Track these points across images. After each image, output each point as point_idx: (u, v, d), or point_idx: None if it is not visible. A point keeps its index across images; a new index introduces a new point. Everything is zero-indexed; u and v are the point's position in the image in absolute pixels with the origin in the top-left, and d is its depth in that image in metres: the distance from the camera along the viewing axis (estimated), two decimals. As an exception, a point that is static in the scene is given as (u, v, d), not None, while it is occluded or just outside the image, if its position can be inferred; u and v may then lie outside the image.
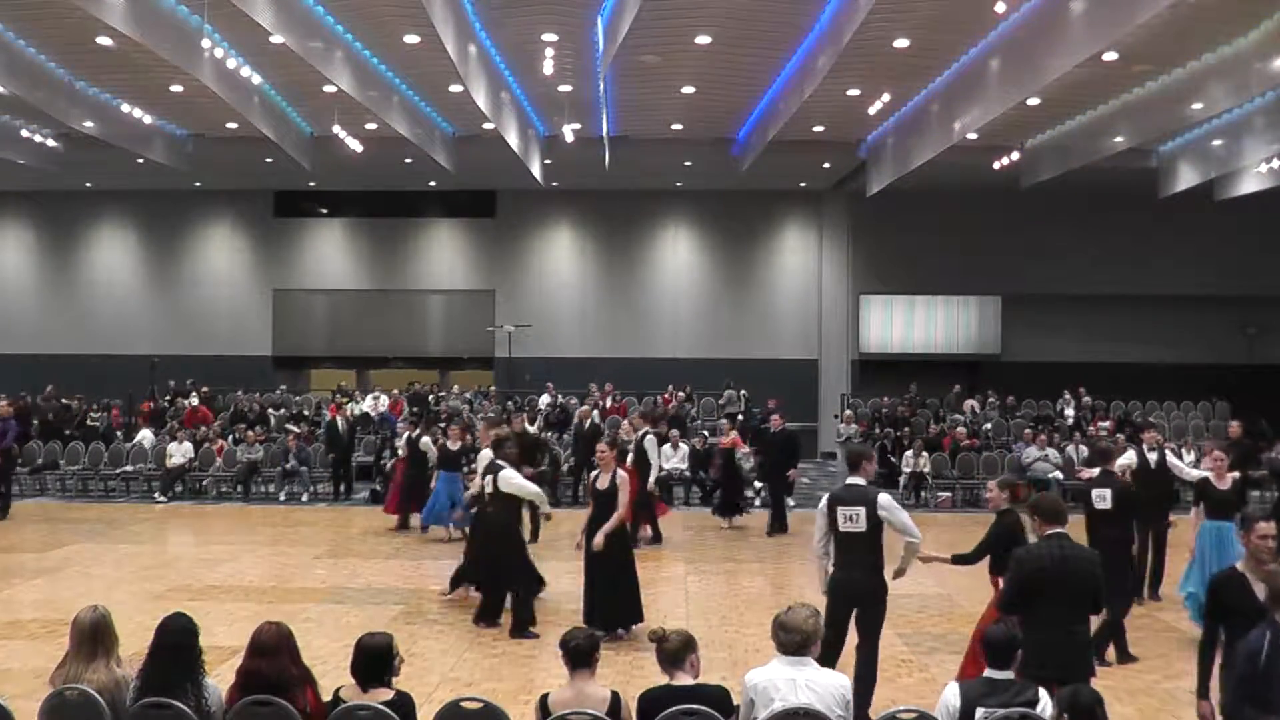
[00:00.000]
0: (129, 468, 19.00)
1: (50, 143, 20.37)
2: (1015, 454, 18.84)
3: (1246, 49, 13.80)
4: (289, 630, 4.91)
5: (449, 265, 26.41)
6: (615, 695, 4.68)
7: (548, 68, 16.25)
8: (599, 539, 8.73)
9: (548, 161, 22.09)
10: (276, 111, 18.92)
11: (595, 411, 19.98)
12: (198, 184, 24.41)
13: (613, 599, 8.85)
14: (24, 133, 19.77)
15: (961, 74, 15.96)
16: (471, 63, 15.78)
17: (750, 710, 4.56)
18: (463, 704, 4.76)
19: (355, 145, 19.04)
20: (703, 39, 15.03)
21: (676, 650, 4.70)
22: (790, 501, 17.54)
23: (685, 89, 17.60)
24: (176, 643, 4.78)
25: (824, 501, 6.78)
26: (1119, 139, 17.79)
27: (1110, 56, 13.78)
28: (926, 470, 18.19)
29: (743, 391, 22.63)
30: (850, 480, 6.86)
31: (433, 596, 10.59)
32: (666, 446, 17.47)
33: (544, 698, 4.76)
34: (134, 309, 26.18)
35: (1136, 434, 11.52)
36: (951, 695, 4.53)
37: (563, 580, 10.89)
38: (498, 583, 9.31)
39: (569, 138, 18.86)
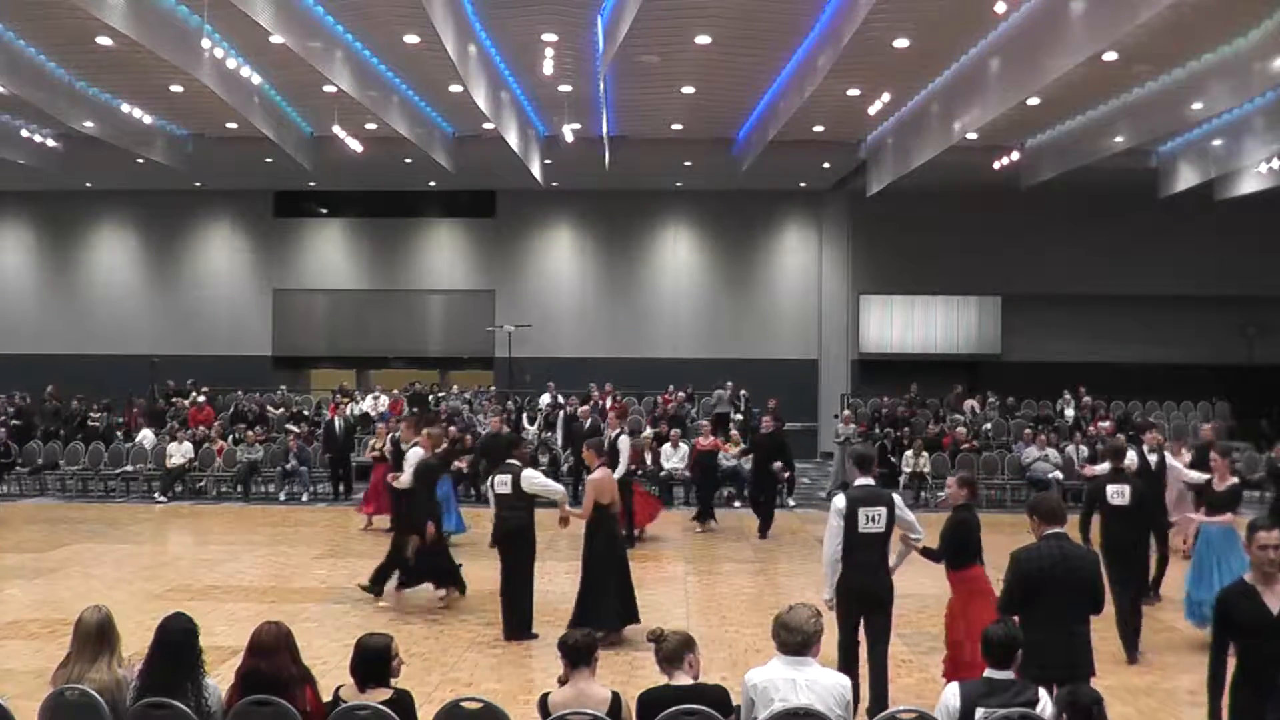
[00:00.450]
0: (129, 468, 19.00)
1: (50, 143, 20.38)
2: (1015, 454, 18.83)
3: (1246, 49, 13.81)
4: (288, 630, 4.91)
5: (449, 265, 26.41)
6: (615, 695, 4.68)
7: (548, 68, 16.25)
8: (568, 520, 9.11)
9: (548, 161, 22.09)
10: (276, 111, 18.92)
11: (591, 410, 19.94)
12: (198, 184, 24.42)
13: (604, 599, 8.75)
14: (24, 133, 19.78)
15: (961, 74, 15.96)
16: (471, 63, 15.78)
17: (750, 710, 4.56)
18: (463, 704, 4.76)
19: (355, 145, 19.05)
20: (703, 39, 15.03)
21: (675, 650, 4.70)
22: (791, 502, 17.58)
23: (685, 89, 17.60)
24: (176, 643, 4.79)
25: (841, 503, 6.63)
26: (1119, 139, 17.79)
27: (1110, 56, 13.79)
28: (926, 470, 18.18)
29: (743, 391, 22.62)
30: (862, 481, 6.81)
31: (433, 596, 10.57)
32: (667, 446, 17.50)
33: (544, 698, 4.76)
34: (134, 309, 26.18)
35: (1138, 434, 11.54)
36: (951, 695, 4.53)
37: (562, 581, 10.90)
38: (516, 593, 9.04)
39: (569, 138, 18.87)
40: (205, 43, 13.99)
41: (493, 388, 23.86)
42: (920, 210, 23.72)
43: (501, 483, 9.04)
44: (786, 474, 17.71)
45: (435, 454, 10.54)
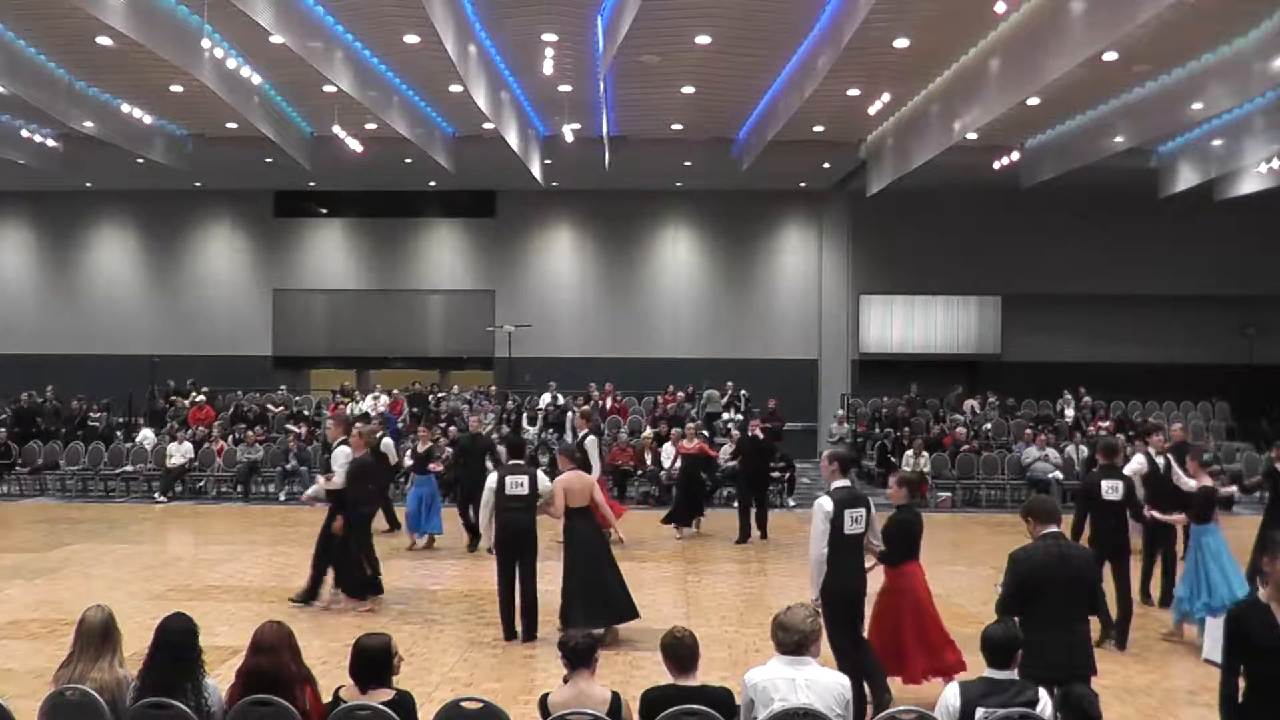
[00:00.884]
0: (129, 468, 19.01)
1: (50, 143, 20.38)
2: (1015, 454, 18.84)
3: (1246, 49, 13.81)
4: (290, 630, 4.93)
5: (449, 265, 26.42)
6: (616, 695, 4.68)
7: (548, 68, 16.25)
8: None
9: (548, 161, 22.09)
10: (276, 111, 18.92)
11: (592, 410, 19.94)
12: (198, 184, 24.42)
13: (584, 598, 8.79)
14: (24, 133, 19.78)
15: (961, 74, 15.96)
16: (471, 63, 15.78)
17: (750, 710, 4.56)
18: (463, 704, 4.77)
19: (355, 145, 19.05)
20: (703, 39, 15.03)
21: (691, 654, 4.71)
22: (791, 502, 17.58)
23: (685, 89, 17.60)
24: (176, 643, 4.79)
25: (829, 505, 6.65)
26: (1119, 139, 17.79)
27: (1110, 56, 13.79)
28: (927, 470, 18.18)
29: (743, 391, 22.63)
30: (842, 483, 6.86)
31: (433, 596, 10.58)
32: (667, 445, 17.50)
33: (544, 698, 4.76)
34: (134, 309, 26.18)
35: (1142, 435, 11.53)
36: (951, 695, 4.53)
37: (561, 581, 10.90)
38: (535, 592, 9.03)
39: (569, 138, 18.86)
40: (205, 43, 13.99)
41: (493, 388, 23.86)
42: (920, 210, 23.72)
43: (518, 484, 8.90)
44: (787, 475, 17.74)
45: (369, 453, 10.47)
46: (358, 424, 11.16)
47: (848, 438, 18.89)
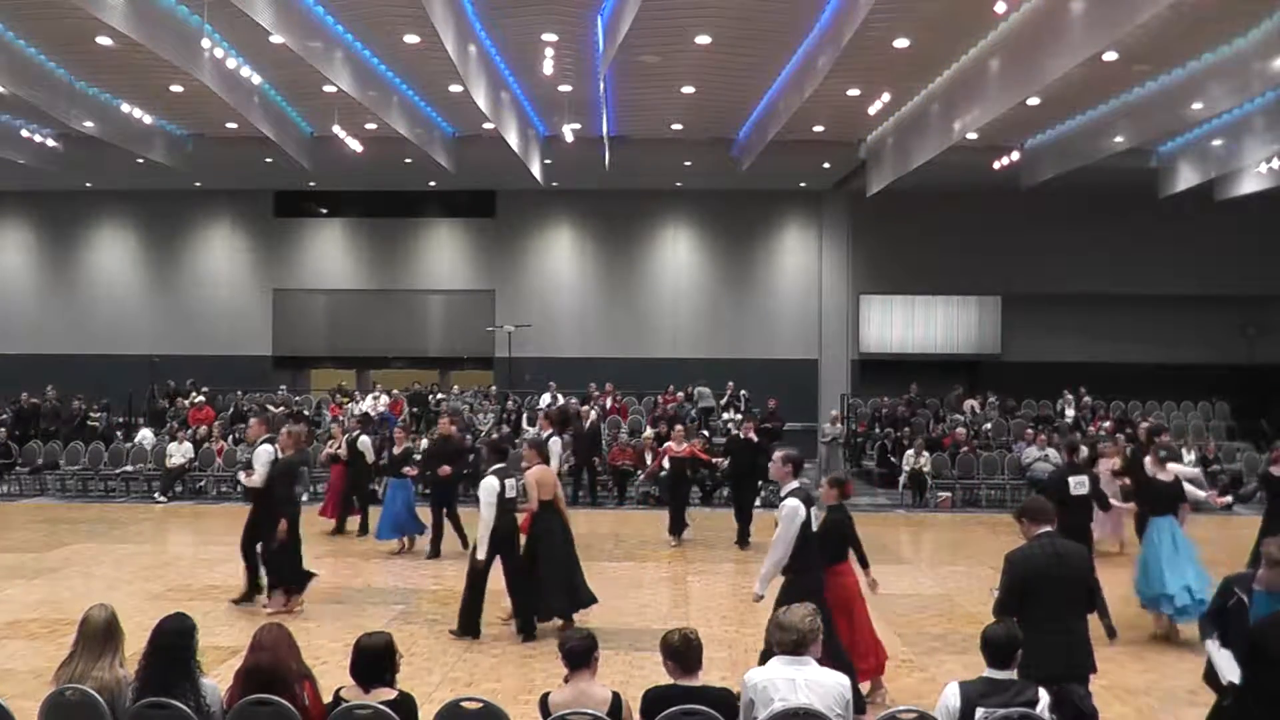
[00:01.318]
0: (129, 468, 19.01)
1: (50, 143, 20.38)
2: (1015, 454, 18.84)
3: (1246, 49, 13.81)
4: (289, 631, 4.95)
5: (449, 265, 26.42)
6: (616, 695, 4.68)
7: (548, 68, 16.25)
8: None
9: (548, 161, 22.09)
10: (276, 111, 18.92)
11: (594, 411, 19.97)
12: (198, 184, 24.42)
13: (570, 584, 9.15)
14: (24, 133, 19.78)
15: (961, 74, 15.96)
16: (471, 63, 15.78)
17: (750, 710, 4.56)
18: (463, 704, 4.77)
19: (355, 145, 19.05)
20: (703, 39, 15.03)
21: (697, 656, 4.72)
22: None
23: (685, 89, 17.60)
24: (171, 644, 4.79)
25: (800, 508, 6.78)
26: (1119, 139, 17.79)
27: (1110, 56, 13.78)
28: (926, 470, 18.19)
29: (743, 391, 22.63)
30: (797, 484, 7.03)
31: (433, 596, 10.58)
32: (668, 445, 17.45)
33: (544, 697, 4.76)
34: (134, 309, 26.19)
35: (1150, 436, 11.60)
36: (951, 695, 4.53)
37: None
38: (530, 590, 9.08)
39: (569, 138, 18.86)
40: (205, 43, 13.99)
41: (493, 388, 23.86)
42: (920, 210, 23.72)
43: (512, 486, 9.16)
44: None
45: (297, 452, 10.40)
46: (288, 425, 11.07)
47: (840, 438, 18.84)
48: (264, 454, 9.97)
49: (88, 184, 24.76)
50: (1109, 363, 24.28)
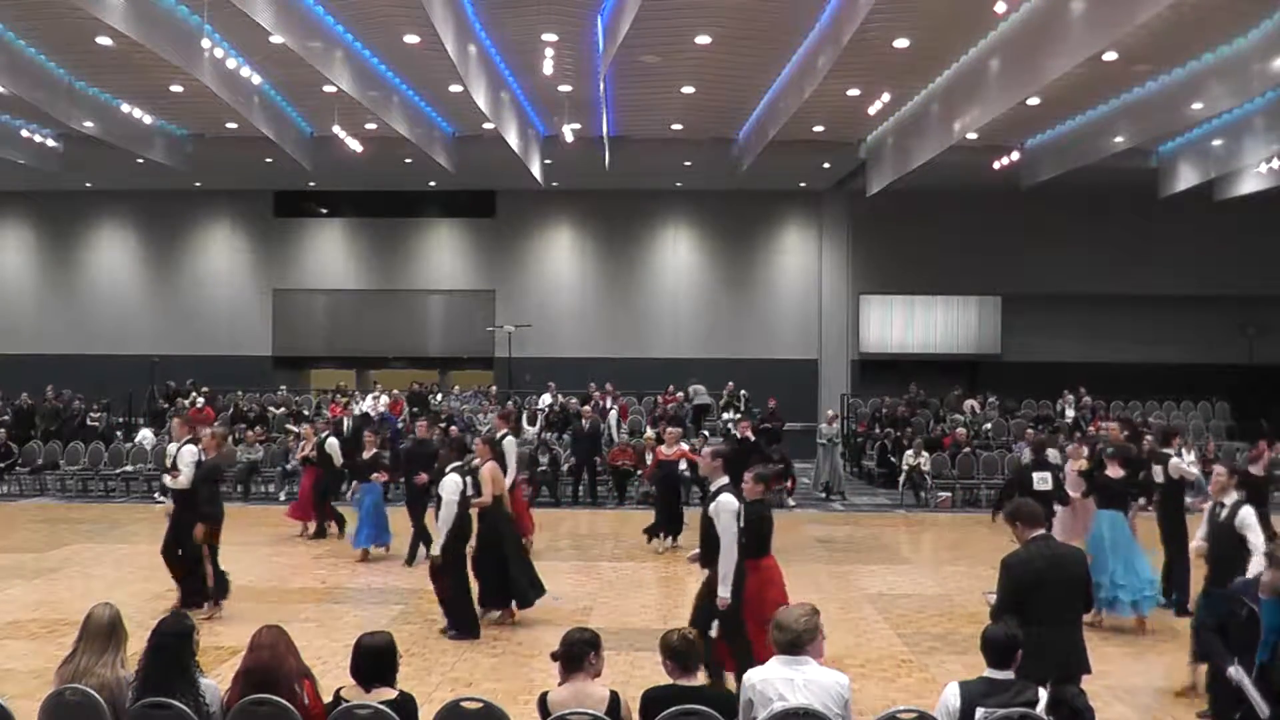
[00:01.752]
0: (129, 468, 19.00)
1: (50, 143, 20.39)
2: (1015, 454, 18.82)
3: (1246, 49, 13.82)
4: (287, 633, 4.95)
5: (449, 265, 26.42)
6: (615, 695, 4.67)
7: (548, 68, 16.25)
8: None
9: (548, 161, 22.09)
10: (276, 111, 18.93)
11: (593, 410, 19.95)
12: (198, 184, 24.42)
13: (530, 573, 9.39)
14: (24, 133, 19.79)
15: (961, 74, 15.96)
16: (471, 63, 15.79)
17: (750, 710, 4.55)
18: (463, 704, 4.76)
19: (355, 145, 19.05)
20: (703, 39, 15.03)
21: (698, 656, 4.72)
22: (791, 502, 17.56)
23: (685, 89, 17.61)
24: (170, 644, 4.78)
25: (735, 503, 6.83)
26: (1119, 139, 17.79)
27: (1110, 56, 13.79)
28: (926, 470, 18.19)
29: (743, 391, 22.63)
30: (725, 480, 7.02)
31: (433, 596, 10.55)
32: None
33: (544, 696, 4.76)
34: (134, 309, 26.19)
35: (1168, 438, 11.61)
36: (951, 695, 4.53)
37: (563, 581, 10.92)
38: (505, 578, 9.29)
39: (569, 138, 18.87)
40: (205, 43, 13.99)
41: (493, 388, 23.87)
42: (920, 210, 23.72)
43: (470, 484, 9.26)
44: (787, 480, 17.66)
45: (221, 454, 10.36)
46: (213, 426, 11.00)
47: (837, 438, 18.83)
48: (188, 455, 9.80)
49: (88, 184, 24.76)
50: (1109, 363, 24.28)
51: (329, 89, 16.25)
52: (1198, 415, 22.50)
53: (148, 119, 18.92)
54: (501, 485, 9.60)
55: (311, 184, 24.55)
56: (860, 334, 25.86)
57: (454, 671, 7.95)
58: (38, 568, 12.01)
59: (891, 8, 12.77)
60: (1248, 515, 6.86)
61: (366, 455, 13.25)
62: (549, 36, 15.25)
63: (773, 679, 4.54)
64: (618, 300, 26.05)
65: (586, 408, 19.63)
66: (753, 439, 14.81)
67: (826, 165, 22.76)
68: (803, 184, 24.90)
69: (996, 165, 20.16)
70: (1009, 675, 4.57)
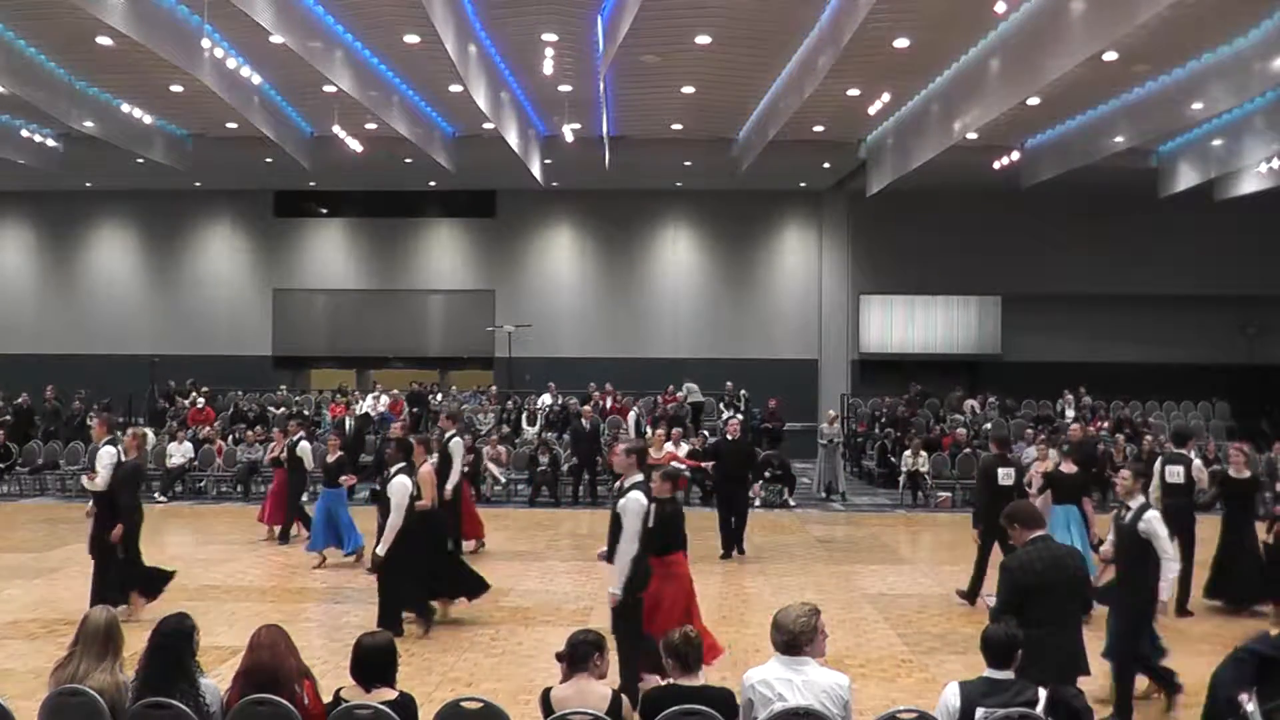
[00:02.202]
0: (129, 468, 18.96)
1: (50, 143, 20.39)
2: (1015, 454, 18.80)
3: (1246, 49, 13.82)
4: (286, 633, 4.94)
5: (449, 265, 26.43)
6: (615, 694, 4.68)
7: (548, 68, 16.25)
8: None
9: (548, 161, 22.09)
10: (276, 111, 18.92)
11: (593, 410, 19.97)
12: (198, 184, 24.43)
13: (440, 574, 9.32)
14: (24, 133, 19.79)
15: (961, 74, 15.96)
16: (471, 63, 15.78)
17: (750, 710, 4.55)
18: (463, 704, 4.76)
19: (355, 145, 19.05)
20: (703, 39, 15.03)
21: (698, 655, 4.72)
22: (791, 502, 17.56)
23: (685, 89, 17.61)
24: (169, 644, 4.78)
25: (644, 500, 6.95)
26: (1119, 139, 17.79)
27: (1110, 56, 13.80)
28: (925, 470, 18.19)
29: (743, 391, 22.63)
30: (639, 477, 7.12)
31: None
32: (668, 445, 17.41)
33: (546, 693, 4.76)
34: (134, 309, 26.19)
35: (1184, 441, 11.61)
36: (951, 695, 4.53)
37: (563, 580, 10.91)
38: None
39: (569, 138, 18.87)
40: (205, 43, 13.99)
41: (493, 388, 23.88)
42: (920, 210, 23.73)
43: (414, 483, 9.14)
44: (785, 483, 17.65)
45: (140, 455, 10.26)
46: (132, 427, 10.92)
47: (838, 439, 18.81)
48: (106, 456, 9.64)
49: (88, 184, 24.76)
50: (1109, 363, 24.29)
51: (329, 89, 16.25)
52: (1198, 415, 22.50)
53: (148, 119, 18.92)
54: (432, 486, 9.54)
55: (311, 184, 24.56)
56: (860, 334, 25.86)
57: (454, 671, 7.95)
58: (38, 568, 12.00)
59: (891, 8, 12.77)
60: (1153, 520, 6.73)
61: (331, 459, 12.91)
62: (549, 36, 15.25)
63: (772, 679, 4.54)
64: (618, 300, 26.06)
65: (586, 408, 19.65)
66: (742, 438, 14.59)
67: (826, 165, 22.76)
68: (803, 184, 24.91)
69: (996, 165, 20.16)
70: (1009, 675, 4.56)
